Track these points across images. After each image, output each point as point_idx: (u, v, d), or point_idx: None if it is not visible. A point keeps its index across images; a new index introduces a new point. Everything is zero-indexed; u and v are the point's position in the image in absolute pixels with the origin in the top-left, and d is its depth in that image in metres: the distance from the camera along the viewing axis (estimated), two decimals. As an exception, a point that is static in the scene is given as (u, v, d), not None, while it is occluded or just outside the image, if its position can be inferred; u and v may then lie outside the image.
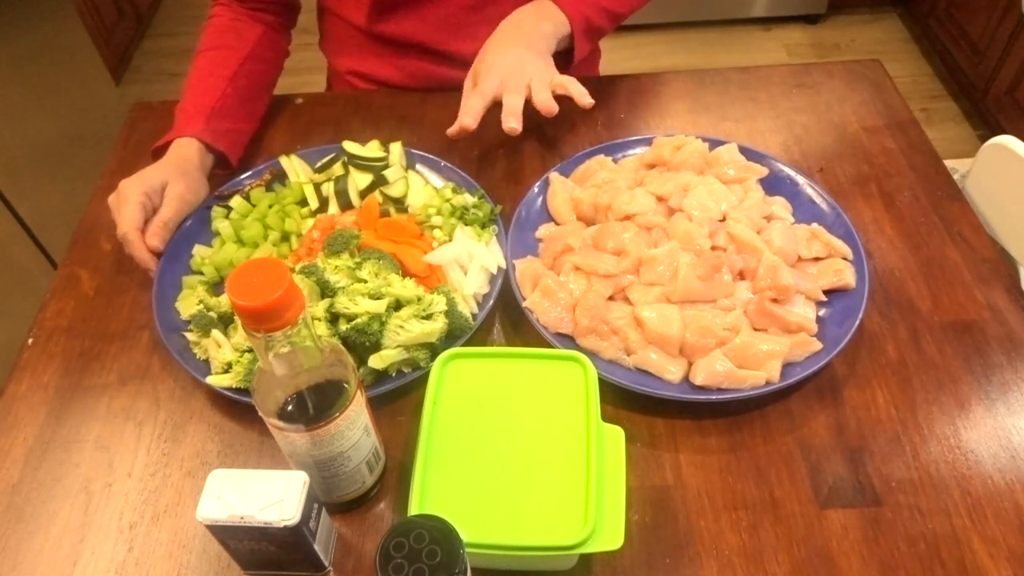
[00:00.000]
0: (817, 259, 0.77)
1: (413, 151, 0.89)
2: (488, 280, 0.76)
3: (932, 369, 0.72)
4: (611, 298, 0.74)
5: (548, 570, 0.61)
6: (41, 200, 1.66)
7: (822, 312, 0.74)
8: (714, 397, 0.68)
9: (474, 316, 0.73)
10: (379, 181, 0.84)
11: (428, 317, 0.69)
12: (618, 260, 0.75)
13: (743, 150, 0.86)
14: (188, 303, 0.74)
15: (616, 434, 0.61)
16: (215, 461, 0.68)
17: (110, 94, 2.00)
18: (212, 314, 0.72)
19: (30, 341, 0.78)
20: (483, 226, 0.80)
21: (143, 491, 0.66)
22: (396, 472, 0.66)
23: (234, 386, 0.68)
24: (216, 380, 0.69)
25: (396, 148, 0.88)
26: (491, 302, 0.74)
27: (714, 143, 0.87)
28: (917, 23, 2.61)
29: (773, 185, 0.84)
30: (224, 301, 0.73)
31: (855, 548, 0.61)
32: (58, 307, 0.81)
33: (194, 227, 0.83)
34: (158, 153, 0.86)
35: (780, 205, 0.82)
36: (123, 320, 0.79)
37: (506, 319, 0.77)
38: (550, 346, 0.70)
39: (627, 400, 0.70)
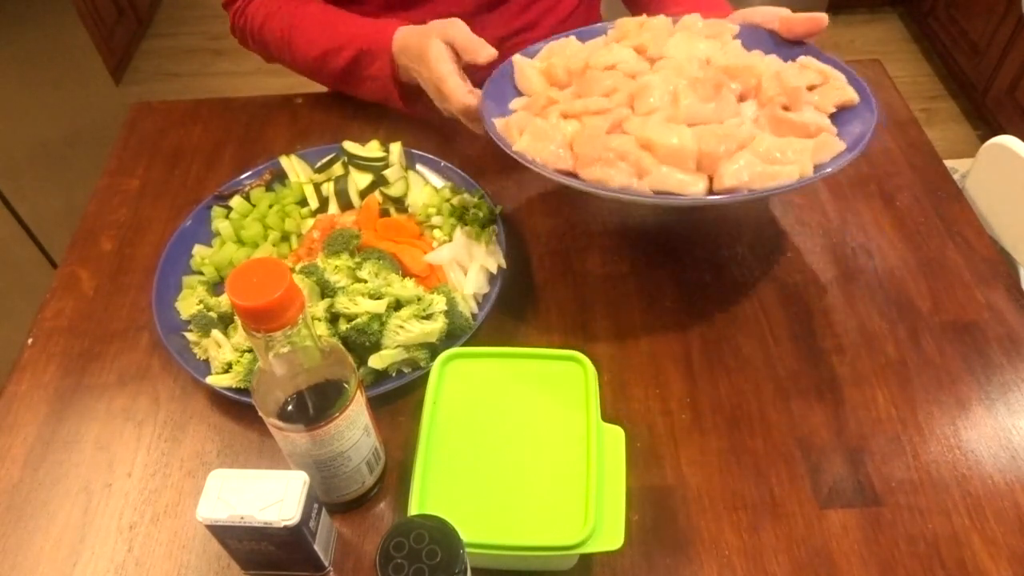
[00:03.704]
0: (813, 87, 0.73)
1: (413, 151, 0.89)
2: (488, 280, 0.76)
3: (932, 369, 0.72)
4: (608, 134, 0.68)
5: (548, 570, 0.61)
6: (41, 200, 1.66)
7: (837, 128, 0.70)
8: (747, 196, 0.63)
9: (474, 316, 0.73)
10: (379, 181, 0.84)
11: (428, 317, 0.69)
12: (609, 99, 0.70)
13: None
14: (188, 303, 0.74)
15: (616, 434, 0.61)
16: (215, 461, 0.68)
17: (110, 94, 2.00)
18: (212, 314, 0.72)
19: (30, 341, 0.78)
20: (483, 226, 0.80)
21: (143, 491, 0.66)
22: (396, 472, 0.66)
23: (234, 386, 0.68)
24: (216, 380, 0.69)
25: (396, 148, 0.88)
26: (491, 302, 0.74)
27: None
28: (917, 23, 2.61)
29: (750, 45, 0.80)
30: (224, 301, 0.73)
31: (855, 548, 0.61)
32: (58, 307, 0.81)
33: (194, 227, 0.83)
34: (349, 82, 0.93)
35: (760, 55, 0.78)
36: (123, 320, 0.79)
37: (506, 319, 0.77)
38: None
39: (627, 400, 0.70)
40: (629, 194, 0.64)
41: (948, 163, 0.92)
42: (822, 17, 0.77)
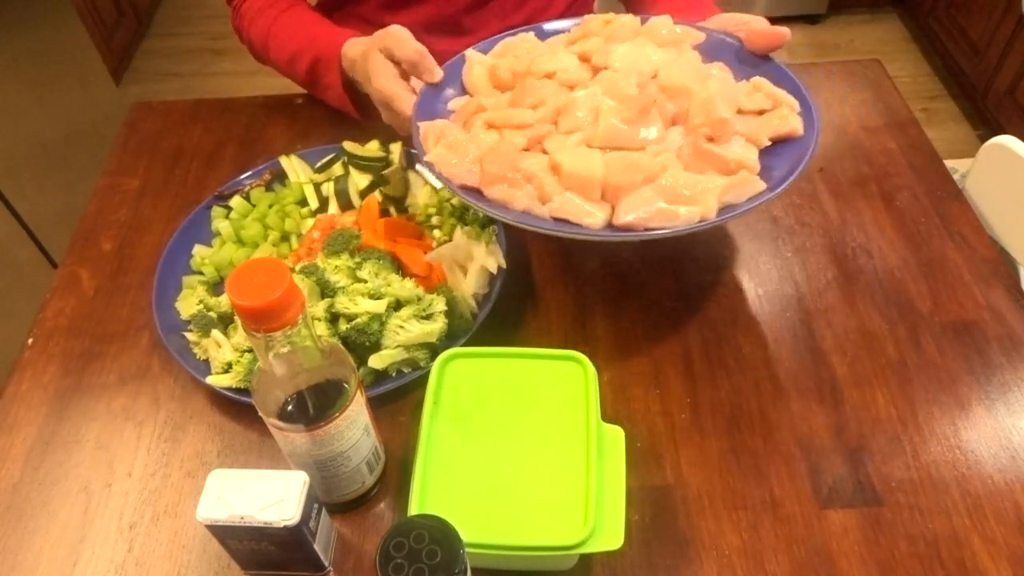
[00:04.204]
0: (762, 112, 0.69)
1: (413, 151, 0.89)
2: (488, 280, 0.76)
3: (932, 369, 0.72)
4: (526, 150, 0.66)
5: (548, 570, 0.61)
6: (41, 200, 1.66)
7: (767, 160, 0.66)
8: (641, 235, 0.60)
9: (474, 316, 0.73)
10: (379, 181, 0.84)
11: (428, 317, 0.69)
12: (535, 111, 0.67)
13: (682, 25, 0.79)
14: (188, 303, 0.74)
15: (616, 434, 0.60)
16: (215, 461, 0.68)
17: (110, 94, 2.00)
18: (212, 314, 0.72)
19: (30, 341, 0.78)
20: (483, 226, 0.80)
21: (143, 491, 0.66)
22: (396, 472, 0.66)
23: (234, 386, 0.68)
24: (216, 380, 0.69)
25: (396, 148, 0.88)
26: (491, 302, 0.74)
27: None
28: (917, 23, 2.61)
29: (712, 55, 0.75)
30: (224, 301, 0.73)
31: (855, 548, 0.61)
32: (58, 307, 0.81)
33: (194, 227, 0.83)
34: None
35: (719, 68, 0.73)
36: (123, 320, 0.79)
37: (506, 319, 0.77)
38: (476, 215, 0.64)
39: (627, 400, 0.70)
40: (527, 222, 0.60)
41: (948, 163, 0.92)
42: (781, 32, 0.73)
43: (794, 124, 0.67)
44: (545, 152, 0.65)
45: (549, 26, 0.80)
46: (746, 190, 0.62)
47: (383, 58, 0.76)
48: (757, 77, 0.71)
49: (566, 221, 0.61)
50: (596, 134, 0.63)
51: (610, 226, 0.61)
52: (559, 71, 0.70)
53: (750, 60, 0.75)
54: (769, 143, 0.66)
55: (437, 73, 0.75)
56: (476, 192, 0.64)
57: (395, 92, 0.75)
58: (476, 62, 0.76)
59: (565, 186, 0.62)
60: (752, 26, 0.76)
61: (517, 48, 0.76)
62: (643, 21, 0.78)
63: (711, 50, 0.75)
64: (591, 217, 0.61)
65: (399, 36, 0.75)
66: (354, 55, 0.82)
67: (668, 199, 0.60)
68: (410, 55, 0.74)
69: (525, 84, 0.70)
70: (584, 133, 0.64)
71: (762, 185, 0.63)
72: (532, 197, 0.62)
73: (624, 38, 0.74)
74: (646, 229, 0.59)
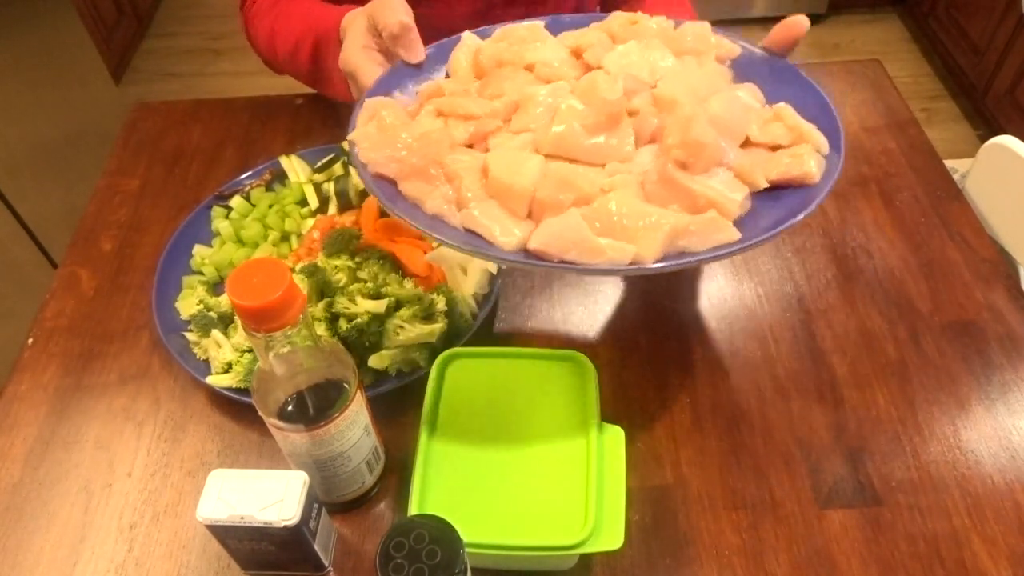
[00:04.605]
0: (776, 148, 0.56)
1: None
2: (488, 280, 0.76)
3: (932, 369, 0.72)
4: (470, 146, 0.57)
5: (548, 570, 0.61)
6: (41, 200, 1.66)
7: (764, 206, 0.53)
8: (553, 266, 0.49)
9: (474, 316, 0.73)
10: (379, 181, 0.84)
11: (428, 317, 0.69)
12: (490, 103, 0.58)
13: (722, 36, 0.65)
14: (188, 303, 0.74)
15: (616, 434, 0.60)
16: (215, 461, 0.68)
17: (110, 94, 2.00)
18: (212, 314, 0.72)
19: (30, 341, 0.78)
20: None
21: (143, 491, 0.66)
22: (396, 472, 0.66)
23: (234, 386, 0.68)
24: (216, 380, 0.69)
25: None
26: (491, 302, 0.74)
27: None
28: (917, 23, 2.61)
29: (748, 74, 0.63)
30: (224, 301, 0.73)
31: (855, 548, 0.61)
32: (58, 307, 0.81)
33: (194, 227, 0.83)
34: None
35: (747, 90, 0.60)
36: (123, 320, 0.79)
37: (506, 319, 0.77)
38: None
39: (627, 400, 0.70)
40: (435, 232, 0.51)
41: (948, 163, 0.92)
42: (796, 22, 0.61)
43: (808, 168, 0.53)
44: (488, 151, 0.56)
45: (569, 18, 0.70)
46: (711, 236, 0.49)
47: (363, 28, 0.67)
48: (782, 104, 0.58)
49: (477, 235, 0.51)
50: (546, 138, 0.54)
51: (525, 250, 0.50)
52: (539, 63, 0.61)
53: (787, 83, 0.61)
54: (768, 185, 0.53)
55: (418, 52, 0.65)
56: (392, 185, 0.55)
57: (358, 64, 0.65)
58: (464, 46, 0.67)
59: (489, 193, 0.52)
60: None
61: (514, 35, 0.67)
62: (676, 25, 0.66)
63: (747, 68, 0.63)
64: (506, 236, 0.50)
65: (388, 3, 0.65)
66: (346, 25, 0.72)
67: (600, 229, 0.49)
68: (391, 25, 0.64)
69: (495, 75, 0.61)
70: (534, 135, 0.55)
71: (734, 234, 0.49)
72: (449, 200, 0.53)
73: (641, 39, 0.63)
74: (560, 261, 0.49)
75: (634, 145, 0.54)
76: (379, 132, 0.56)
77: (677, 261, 0.49)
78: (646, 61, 0.60)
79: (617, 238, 0.49)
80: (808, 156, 0.54)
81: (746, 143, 0.56)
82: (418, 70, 0.66)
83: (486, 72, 0.63)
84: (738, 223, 0.51)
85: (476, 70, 0.64)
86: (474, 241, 0.51)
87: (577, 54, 0.63)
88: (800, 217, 0.50)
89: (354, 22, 0.69)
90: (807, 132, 0.56)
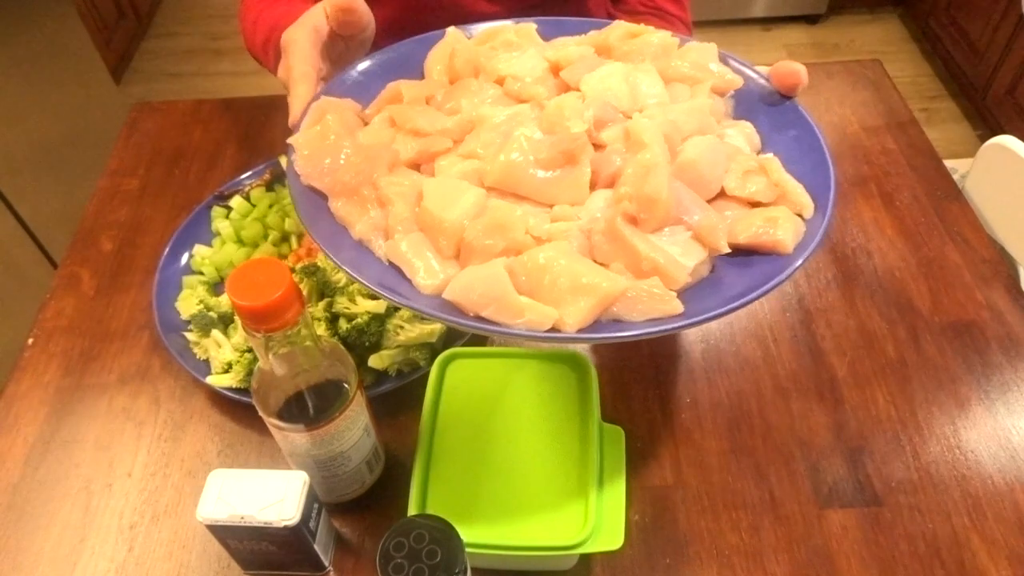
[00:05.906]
0: (756, 204, 0.50)
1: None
2: (488, 280, 0.76)
3: (932, 369, 0.72)
4: (418, 168, 0.52)
5: (548, 570, 0.61)
6: (41, 200, 1.66)
7: (727, 272, 0.48)
8: (464, 323, 0.44)
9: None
10: (379, 181, 0.84)
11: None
12: (446, 119, 0.53)
13: (730, 61, 0.59)
14: (188, 303, 0.74)
15: (616, 434, 0.61)
16: (215, 461, 0.68)
17: (110, 94, 2.00)
18: (212, 314, 0.72)
19: (30, 341, 0.78)
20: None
21: (143, 491, 0.66)
22: (396, 472, 0.66)
23: (234, 386, 0.68)
24: (216, 380, 0.69)
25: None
26: (491, 302, 0.74)
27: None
28: (917, 23, 2.61)
29: (751, 110, 0.57)
30: (224, 301, 0.73)
31: (855, 548, 0.61)
32: (58, 307, 0.81)
33: (194, 227, 0.83)
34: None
35: (740, 130, 0.54)
36: (123, 320, 0.79)
37: (506, 319, 0.77)
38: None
39: (627, 400, 0.70)
40: (351, 267, 0.45)
41: (948, 163, 0.92)
42: (792, 72, 0.55)
43: (779, 237, 0.46)
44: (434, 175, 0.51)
45: (571, 22, 0.63)
46: (650, 306, 0.43)
47: (307, 40, 0.57)
48: (770, 156, 0.52)
49: (397, 270, 0.47)
50: (493, 167, 0.48)
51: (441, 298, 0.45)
52: (509, 77, 0.55)
53: (788, 125, 0.55)
54: (728, 251, 0.47)
55: (355, 27, 0.56)
56: (323, 200, 0.50)
57: (303, 73, 0.55)
58: (443, 45, 0.61)
59: (419, 225, 0.47)
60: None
61: (500, 36, 0.60)
62: (682, 43, 0.59)
63: (748, 101, 0.57)
64: (427, 277, 0.45)
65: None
66: (286, 43, 0.59)
67: (525, 285, 0.44)
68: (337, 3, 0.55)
69: (460, 86, 0.56)
70: (481, 163, 0.49)
71: (676, 307, 0.43)
72: (378, 227, 0.48)
73: (635, 57, 0.57)
74: (475, 316, 0.44)
75: (589, 187, 0.48)
76: (319, 139, 0.51)
77: (604, 334, 0.44)
78: (629, 86, 0.54)
79: (542, 298, 0.43)
80: (784, 222, 0.47)
81: (721, 194, 0.50)
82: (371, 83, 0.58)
83: (458, 76, 0.58)
84: (692, 290, 0.46)
85: (451, 73, 0.59)
86: (391, 281, 0.46)
87: (556, 70, 0.57)
88: (752, 296, 0.43)
89: (295, 40, 0.58)
90: (791, 191, 0.49)
